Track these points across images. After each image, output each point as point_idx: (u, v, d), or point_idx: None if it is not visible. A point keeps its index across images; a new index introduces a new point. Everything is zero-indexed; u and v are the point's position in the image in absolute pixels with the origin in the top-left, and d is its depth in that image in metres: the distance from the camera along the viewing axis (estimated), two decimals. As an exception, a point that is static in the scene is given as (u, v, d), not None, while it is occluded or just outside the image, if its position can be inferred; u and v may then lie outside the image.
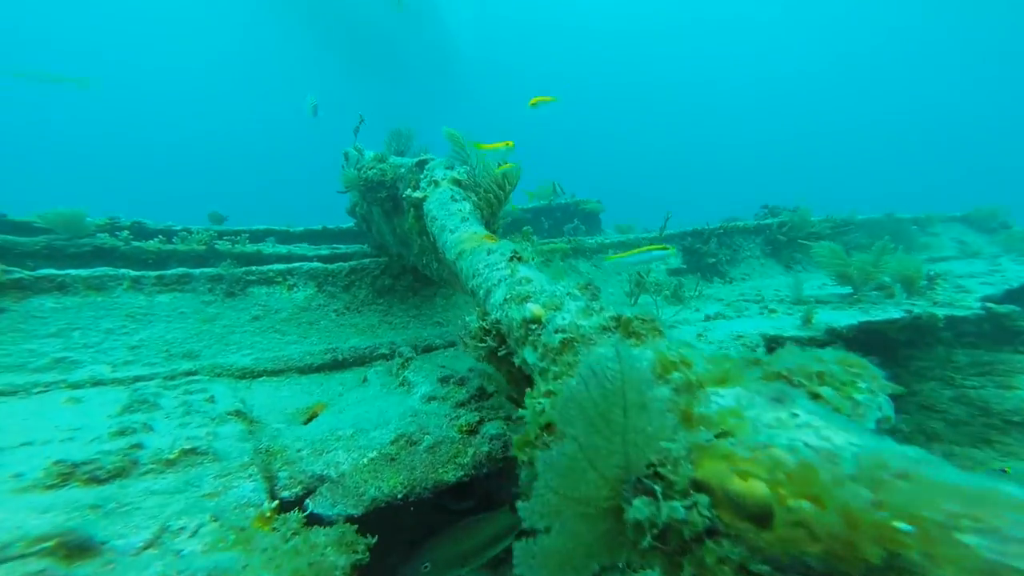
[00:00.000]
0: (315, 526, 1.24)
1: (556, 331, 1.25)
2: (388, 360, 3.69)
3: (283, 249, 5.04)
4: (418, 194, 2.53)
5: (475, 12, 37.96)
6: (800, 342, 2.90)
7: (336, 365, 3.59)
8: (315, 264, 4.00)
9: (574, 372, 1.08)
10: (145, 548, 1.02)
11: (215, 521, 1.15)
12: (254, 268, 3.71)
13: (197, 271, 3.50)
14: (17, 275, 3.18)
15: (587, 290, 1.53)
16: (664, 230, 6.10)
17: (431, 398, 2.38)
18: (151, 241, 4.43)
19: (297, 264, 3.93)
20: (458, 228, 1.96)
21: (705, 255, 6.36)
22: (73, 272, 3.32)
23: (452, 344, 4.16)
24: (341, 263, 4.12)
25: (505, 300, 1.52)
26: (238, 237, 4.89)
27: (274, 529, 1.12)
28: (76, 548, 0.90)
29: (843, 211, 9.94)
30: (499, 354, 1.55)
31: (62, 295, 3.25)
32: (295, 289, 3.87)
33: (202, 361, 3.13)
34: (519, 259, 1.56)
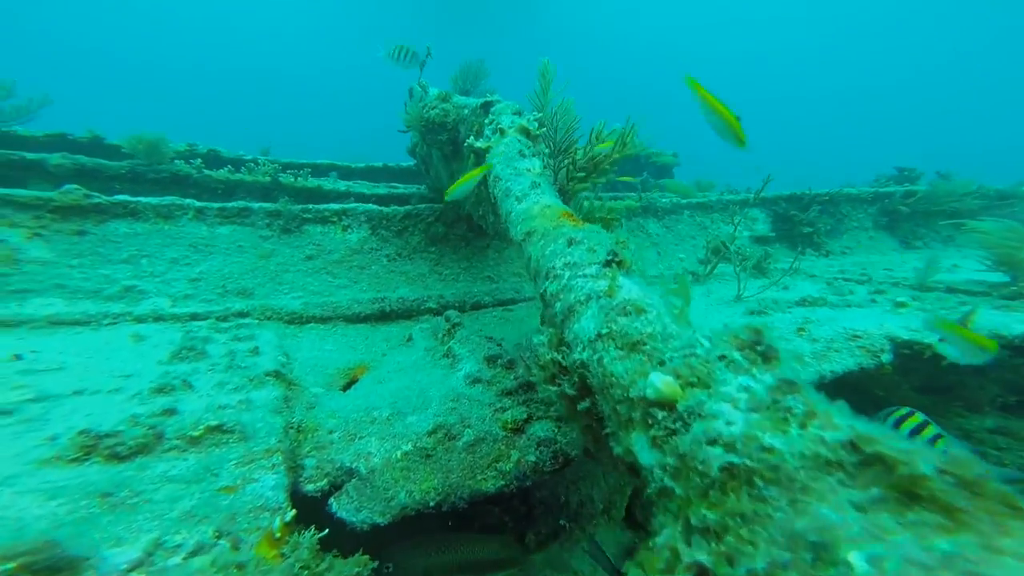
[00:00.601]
0: (331, 546, 1.09)
1: (710, 442, 0.71)
2: (435, 316, 3.53)
3: (342, 185, 4.91)
4: (480, 143, 2.15)
5: None
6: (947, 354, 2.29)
7: (383, 316, 3.49)
8: (371, 206, 3.81)
9: (754, 535, 0.59)
10: (130, 570, 0.91)
11: (217, 538, 1.02)
12: (311, 206, 3.58)
13: (256, 205, 3.44)
14: (96, 199, 3.27)
15: (754, 350, 0.85)
16: (761, 193, 5.23)
17: (476, 380, 2.16)
18: (221, 171, 4.45)
19: (353, 205, 3.75)
20: (527, 195, 1.56)
21: (800, 223, 5.44)
22: (144, 200, 3.37)
23: (501, 303, 3.92)
24: (396, 207, 3.89)
25: (599, 336, 1.05)
26: (301, 172, 4.80)
27: (282, 556, 0.98)
28: (48, 570, 0.79)
29: (994, 180, 8.15)
30: (579, 407, 1.13)
31: (135, 221, 3.32)
32: (349, 230, 3.73)
33: (255, 300, 3.13)
34: (620, 264, 1.09)
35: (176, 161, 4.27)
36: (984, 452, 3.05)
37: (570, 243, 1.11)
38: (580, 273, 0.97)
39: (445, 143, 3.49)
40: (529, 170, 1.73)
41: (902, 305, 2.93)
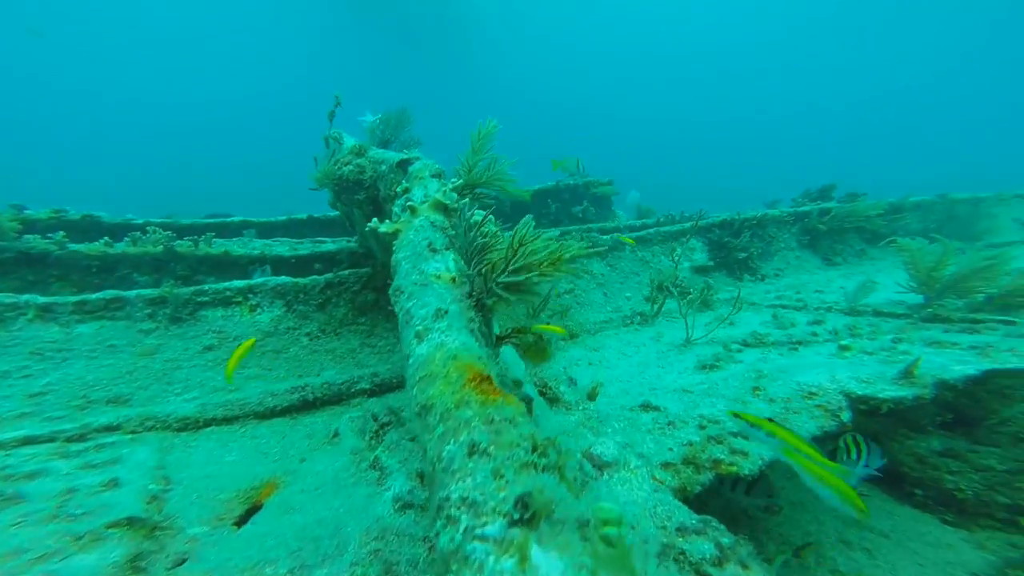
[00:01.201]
0: None
1: None
2: (370, 397, 3.10)
3: (257, 247, 4.37)
4: (385, 227, 1.83)
5: None
6: (901, 404, 2.22)
7: (305, 406, 3.00)
8: (283, 279, 3.34)
9: None
10: None
11: None
12: (207, 287, 3.06)
13: (132, 293, 2.86)
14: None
15: None
16: (696, 224, 5.29)
17: (406, 504, 1.77)
18: (95, 243, 3.78)
19: (261, 280, 3.27)
20: (428, 331, 1.17)
21: (735, 249, 5.58)
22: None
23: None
24: (315, 277, 3.45)
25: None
26: (203, 236, 4.22)
27: None
28: None
29: (886, 193, 8.96)
30: None
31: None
32: (259, 311, 3.23)
33: (132, 409, 2.54)
34: (532, 522, 0.64)
35: (27, 236, 3.56)
36: (940, 479, 3.06)
37: (472, 451, 0.77)
38: (477, 532, 0.63)
39: (364, 202, 3.15)
40: (438, 277, 1.42)
41: (846, 348, 2.92)
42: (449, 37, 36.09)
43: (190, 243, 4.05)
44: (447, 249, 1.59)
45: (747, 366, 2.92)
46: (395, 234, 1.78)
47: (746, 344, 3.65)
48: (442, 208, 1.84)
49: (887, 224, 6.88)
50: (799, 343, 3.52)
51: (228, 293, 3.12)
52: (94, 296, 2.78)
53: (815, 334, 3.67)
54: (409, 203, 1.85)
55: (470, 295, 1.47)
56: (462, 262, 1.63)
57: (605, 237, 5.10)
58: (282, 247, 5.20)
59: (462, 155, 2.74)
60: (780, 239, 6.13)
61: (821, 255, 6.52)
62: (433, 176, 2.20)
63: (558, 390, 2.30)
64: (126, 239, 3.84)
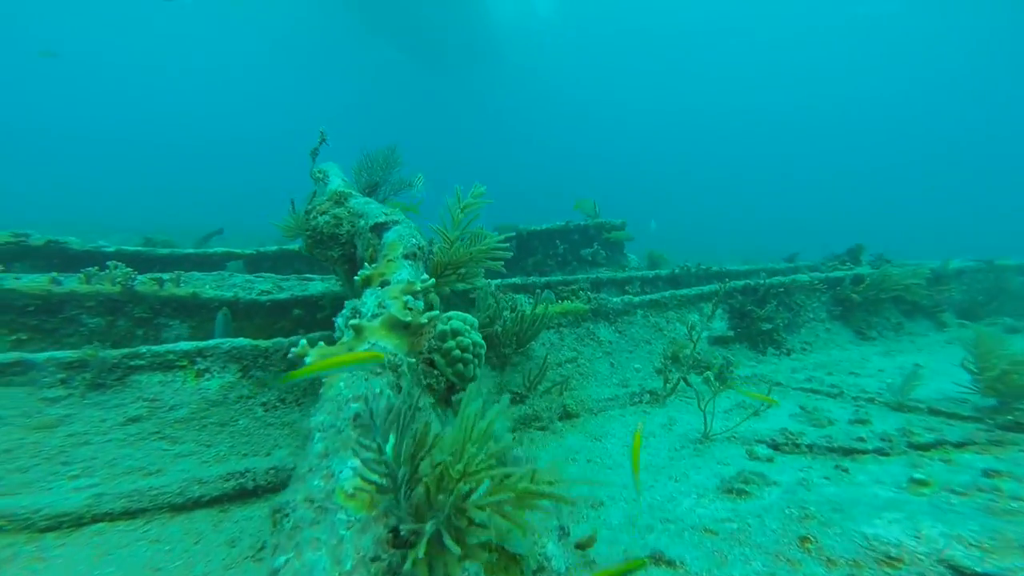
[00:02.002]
0: None
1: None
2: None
3: (229, 291, 3.95)
4: (313, 356, 1.36)
5: (520, 7, 35.90)
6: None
7: (244, 495, 2.48)
8: (241, 341, 2.89)
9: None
10: None
11: None
12: (144, 349, 2.61)
13: (42, 356, 2.41)
14: None
15: None
16: (721, 295, 4.78)
17: None
18: (38, 277, 3.39)
19: (215, 342, 2.81)
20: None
21: (759, 319, 5.04)
22: None
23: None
24: (280, 340, 2.99)
25: None
26: (171, 275, 3.82)
27: None
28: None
29: (913, 253, 8.38)
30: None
31: None
32: (208, 375, 2.76)
33: None
34: None
35: None
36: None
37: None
38: None
39: (339, 260, 2.73)
40: (350, 497, 0.89)
41: (922, 484, 2.32)
42: (467, 62, 36.55)
43: (154, 282, 3.65)
44: (390, 423, 1.06)
45: (785, 493, 2.34)
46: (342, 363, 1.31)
47: (776, 446, 3.08)
48: (400, 328, 1.36)
49: (928, 295, 6.31)
50: (844, 451, 2.95)
51: (171, 356, 2.67)
52: (-11, 358, 2.34)
53: (862, 439, 3.08)
54: (353, 320, 1.37)
55: (395, 539, 0.91)
56: (403, 467, 1.05)
57: (616, 300, 4.61)
58: (265, 283, 4.80)
59: (443, 220, 2.31)
60: (809, 308, 5.59)
61: (854, 328, 5.93)
62: (407, 256, 1.76)
63: (543, 555, 1.75)
64: (80, 274, 3.45)
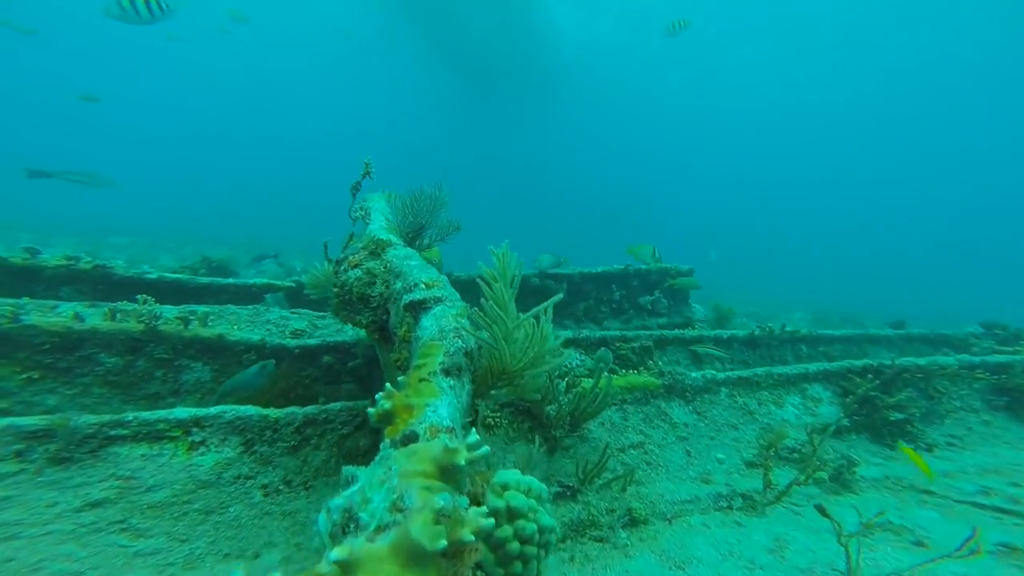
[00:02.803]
0: None
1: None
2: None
3: (257, 334, 3.57)
4: (351, 542, 0.80)
5: (578, 25, 35.81)
6: None
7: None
8: (247, 409, 2.41)
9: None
10: None
11: None
12: (131, 416, 2.18)
13: (3, 422, 2.02)
14: None
15: None
16: (860, 397, 3.82)
17: None
18: (65, 310, 3.15)
19: (217, 410, 2.35)
20: None
21: (887, 407, 3.99)
22: None
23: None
24: (294, 410, 2.50)
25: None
26: (204, 310, 3.51)
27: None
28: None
29: None
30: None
31: None
32: (202, 449, 2.29)
33: None
34: None
35: None
36: None
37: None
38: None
39: (368, 327, 2.20)
40: None
41: None
42: (523, 92, 36.33)
43: (179, 321, 3.33)
44: None
45: None
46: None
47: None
48: (423, 559, 0.75)
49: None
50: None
51: (161, 426, 2.22)
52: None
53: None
54: (344, 542, 0.75)
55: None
56: None
57: (695, 376, 3.80)
58: (300, 321, 4.44)
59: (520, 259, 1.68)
60: (954, 395, 4.42)
61: None
62: (447, 371, 1.18)
63: None
64: (105, 309, 3.18)
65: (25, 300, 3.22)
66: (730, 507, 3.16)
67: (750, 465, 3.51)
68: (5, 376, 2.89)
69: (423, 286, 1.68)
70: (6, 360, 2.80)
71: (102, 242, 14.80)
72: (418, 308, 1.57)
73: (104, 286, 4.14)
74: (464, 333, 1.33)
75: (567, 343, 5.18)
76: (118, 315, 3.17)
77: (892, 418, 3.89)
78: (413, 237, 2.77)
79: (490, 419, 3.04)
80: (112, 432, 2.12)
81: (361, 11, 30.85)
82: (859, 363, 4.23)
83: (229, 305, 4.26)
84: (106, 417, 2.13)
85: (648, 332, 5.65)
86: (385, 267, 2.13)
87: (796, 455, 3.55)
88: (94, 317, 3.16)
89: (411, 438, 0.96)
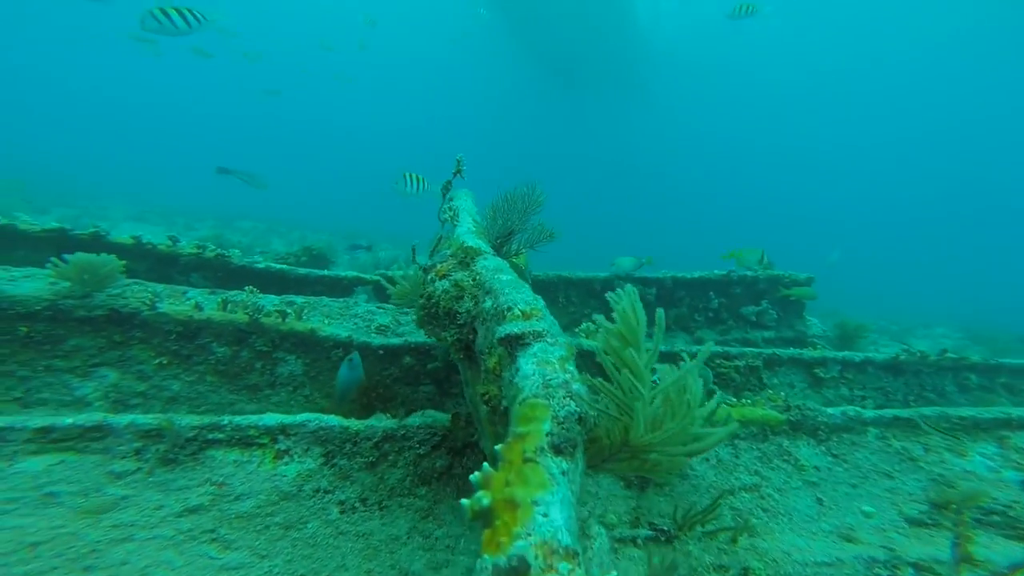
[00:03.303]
0: None
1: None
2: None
3: (344, 331, 3.58)
4: None
5: (673, 21, 33.06)
6: None
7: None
8: (329, 419, 2.33)
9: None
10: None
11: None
12: (226, 420, 2.19)
13: (123, 420, 2.10)
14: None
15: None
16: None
17: None
18: (187, 301, 3.38)
19: (302, 418, 2.30)
20: None
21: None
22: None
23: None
24: (373, 423, 2.37)
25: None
26: (292, 305, 3.60)
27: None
28: None
29: None
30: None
31: None
32: (287, 459, 2.25)
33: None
34: None
35: (130, 285, 3.23)
36: None
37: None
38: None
39: (454, 345, 1.97)
40: None
41: None
42: (613, 88, 34.38)
43: (278, 314, 3.43)
44: None
45: None
46: None
47: None
48: None
49: None
50: None
51: (252, 432, 2.21)
52: (66, 421, 2.08)
53: None
54: None
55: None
56: None
57: (833, 413, 3.10)
58: (385, 316, 4.45)
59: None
60: None
61: None
62: (557, 448, 0.86)
63: None
64: (218, 300, 3.37)
65: (162, 287, 3.51)
66: (889, 580, 2.48)
67: (915, 524, 2.76)
68: (144, 360, 3.18)
69: (519, 315, 1.38)
70: (145, 345, 3.05)
71: (232, 225, 16.93)
72: (515, 344, 1.27)
73: (223, 273, 4.49)
74: (572, 371, 1.00)
75: (659, 357, 4.65)
76: (229, 306, 3.33)
77: None
78: (502, 243, 2.51)
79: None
80: (210, 436, 2.14)
81: (456, 9, 31.24)
82: None
83: (323, 297, 4.39)
84: (206, 419, 2.16)
85: (756, 350, 4.90)
86: (474, 280, 1.87)
87: (999, 518, 2.72)
88: (210, 306, 3.35)
89: (519, 571, 0.67)
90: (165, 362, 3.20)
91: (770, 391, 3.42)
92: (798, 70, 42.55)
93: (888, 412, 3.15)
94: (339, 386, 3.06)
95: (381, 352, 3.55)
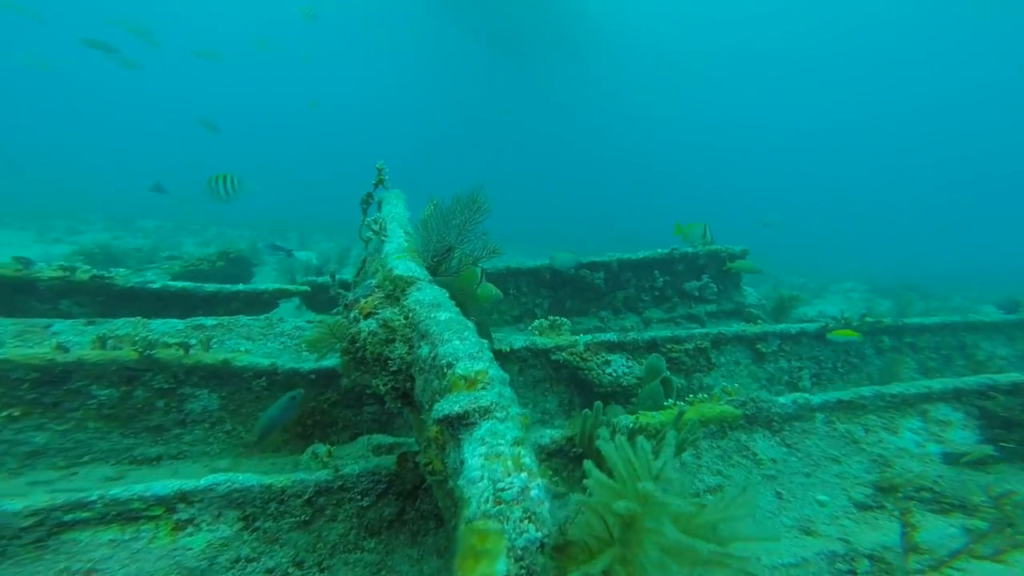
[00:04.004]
0: None
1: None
2: None
3: (266, 360, 3.10)
4: None
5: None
6: None
7: None
8: (246, 479, 1.93)
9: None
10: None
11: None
12: (96, 496, 1.73)
13: None
14: None
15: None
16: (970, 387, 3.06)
17: None
18: (57, 329, 2.75)
19: (210, 480, 1.88)
20: None
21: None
22: None
23: None
24: (304, 478, 2.01)
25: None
26: (202, 328, 3.06)
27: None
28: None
29: None
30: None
31: None
32: (191, 528, 1.84)
33: None
34: None
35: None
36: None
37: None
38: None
39: (390, 394, 1.65)
40: None
41: None
42: (552, 59, 33.49)
43: (179, 347, 2.89)
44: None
45: None
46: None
47: None
48: None
49: None
50: None
51: (137, 505, 1.77)
52: None
53: None
54: None
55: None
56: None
57: (784, 402, 3.13)
58: (318, 332, 3.97)
59: None
60: None
61: None
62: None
63: None
64: (93, 337, 2.76)
65: (8, 323, 2.84)
66: (855, 573, 2.53)
67: (863, 508, 2.86)
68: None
69: (462, 381, 1.09)
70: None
71: (132, 226, 14.84)
72: (457, 424, 0.99)
73: (104, 297, 3.76)
74: (533, 496, 0.74)
75: (611, 346, 4.57)
76: (110, 342, 2.75)
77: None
78: (438, 263, 2.15)
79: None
80: (70, 517, 1.68)
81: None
82: (1005, 378, 3.42)
83: (241, 316, 3.83)
84: (59, 498, 1.68)
85: (703, 330, 4.96)
86: (407, 318, 1.55)
87: (927, 494, 2.87)
88: (82, 344, 2.74)
89: None
90: (17, 414, 2.58)
91: (724, 384, 3.41)
92: (733, 37, 43.63)
93: (832, 396, 3.23)
94: (260, 424, 2.64)
95: (314, 377, 3.13)
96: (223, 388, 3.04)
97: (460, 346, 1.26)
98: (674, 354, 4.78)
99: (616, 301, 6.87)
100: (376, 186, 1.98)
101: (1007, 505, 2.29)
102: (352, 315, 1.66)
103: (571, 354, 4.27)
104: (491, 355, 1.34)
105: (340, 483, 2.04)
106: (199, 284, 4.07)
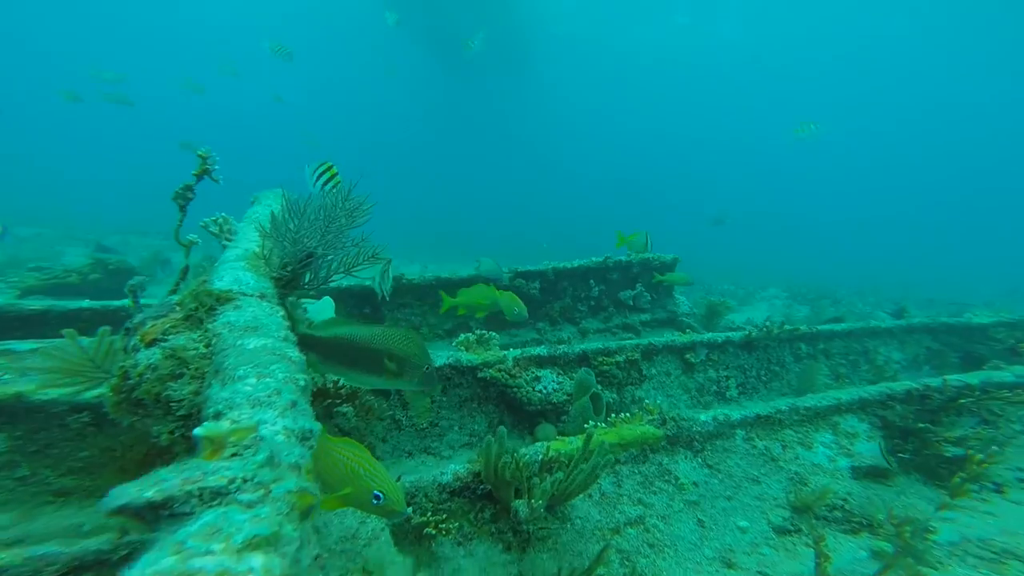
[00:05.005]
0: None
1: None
2: None
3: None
4: None
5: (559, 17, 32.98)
6: None
7: None
8: None
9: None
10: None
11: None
12: None
13: None
14: None
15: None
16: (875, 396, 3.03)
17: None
18: None
19: None
20: None
21: (940, 442, 3.26)
22: None
23: None
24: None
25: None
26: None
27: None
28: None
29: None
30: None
31: None
32: None
33: None
34: None
35: None
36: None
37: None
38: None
39: (179, 444, 1.20)
40: None
41: None
42: (496, 69, 33.46)
43: None
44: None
45: None
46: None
47: None
48: None
49: None
50: None
51: None
52: None
53: None
54: None
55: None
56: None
57: (705, 419, 2.96)
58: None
59: None
60: (1013, 417, 3.73)
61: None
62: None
63: None
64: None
65: None
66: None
67: (781, 532, 2.73)
68: None
69: (207, 443, 0.70)
70: None
71: (8, 233, 12.72)
72: (157, 514, 0.60)
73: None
74: None
75: (541, 361, 4.32)
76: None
77: (949, 454, 3.16)
78: (291, 275, 1.67)
79: (430, 522, 2.11)
80: None
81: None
82: (900, 387, 3.49)
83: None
84: None
85: (634, 342, 4.84)
86: (207, 345, 1.13)
87: (839, 513, 2.80)
88: None
89: None
90: None
91: (658, 397, 3.23)
92: (674, 43, 44.95)
93: (751, 411, 3.13)
94: None
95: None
96: (16, 427, 2.38)
97: (250, 388, 0.88)
98: (605, 367, 4.60)
99: (553, 311, 6.67)
100: (199, 177, 1.53)
101: (906, 534, 2.23)
102: (132, 342, 1.21)
103: (499, 371, 3.96)
104: (307, 403, 0.96)
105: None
106: (17, 303, 3.28)
